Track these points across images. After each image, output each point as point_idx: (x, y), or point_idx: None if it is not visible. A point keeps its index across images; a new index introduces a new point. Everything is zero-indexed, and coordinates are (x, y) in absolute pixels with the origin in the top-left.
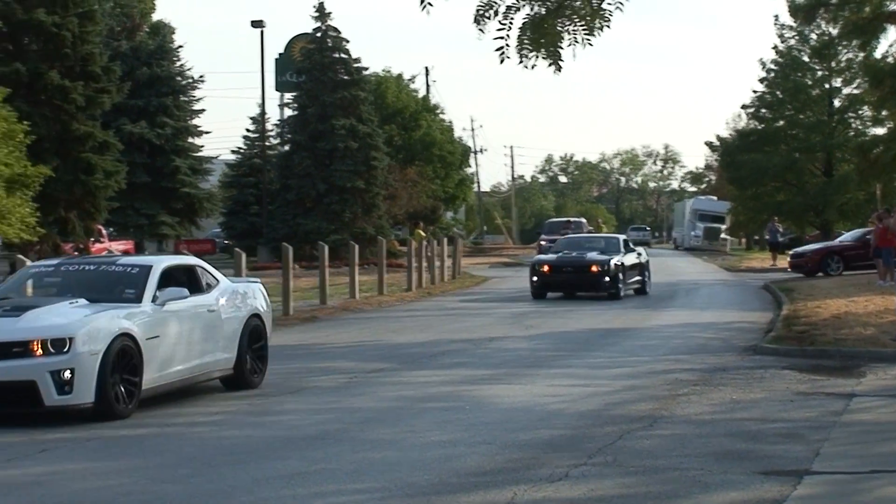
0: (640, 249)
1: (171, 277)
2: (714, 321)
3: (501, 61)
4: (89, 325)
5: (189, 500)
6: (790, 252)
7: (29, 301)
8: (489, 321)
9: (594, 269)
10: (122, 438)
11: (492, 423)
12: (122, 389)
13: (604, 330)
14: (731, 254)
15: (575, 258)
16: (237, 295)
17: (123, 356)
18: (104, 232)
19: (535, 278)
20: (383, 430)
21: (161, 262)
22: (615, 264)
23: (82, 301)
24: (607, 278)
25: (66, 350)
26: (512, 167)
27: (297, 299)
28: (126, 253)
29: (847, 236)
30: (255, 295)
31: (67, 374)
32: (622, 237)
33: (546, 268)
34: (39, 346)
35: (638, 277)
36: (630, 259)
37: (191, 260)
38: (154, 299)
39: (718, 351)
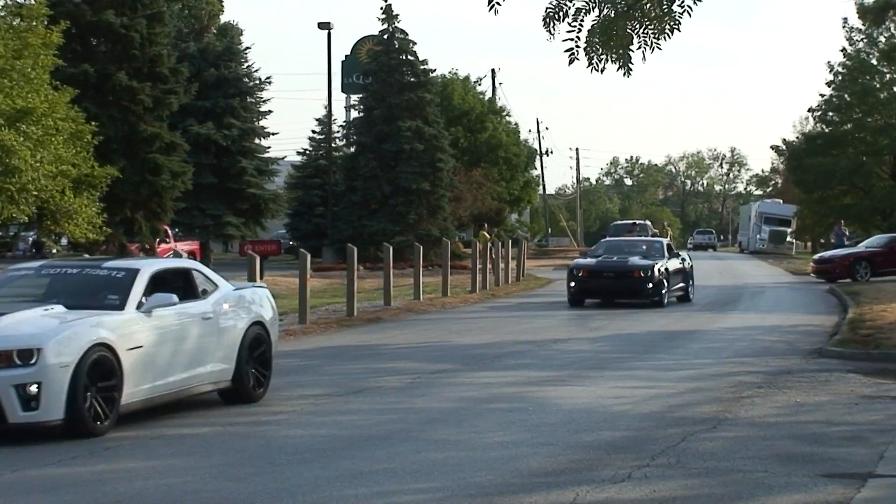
0: (684, 254)
1: (163, 282)
2: (779, 324)
3: (570, 62)
4: (61, 334)
5: (252, 499)
6: (815, 257)
7: None
8: (553, 323)
9: (637, 274)
10: (186, 437)
11: (555, 425)
12: (99, 405)
13: (668, 332)
14: (796, 257)
15: (616, 262)
16: (239, 301)
17: (99, 368)
18: (170, 232)
19: (572, 283)
20: (446, 430)
21: (150, 266)
22: (659, 270)
23: (59, 308)
24: (650, 284)
25: (32, 362)
26: (577, 169)
27: (362, 300)
28: (191, 254)
29: (873, 241)
30: (260, 302)
31: (34, 388)
32: (665, 240)
33: (583, 272)
34: (4, 357)
35: (682, 284)
36: (674, 264)
37: (187, 263)
38: (139, 306)
39: (783, 354)
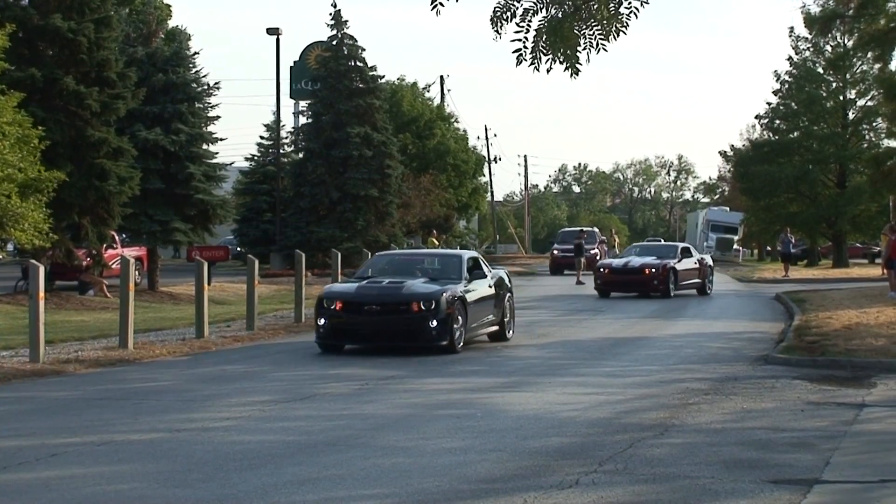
0: (501, 273)
1: None
2: (725, 331)
3: (518, 63)
4: None
5: None
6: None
7: None
8: None
9: (416, 306)
10: (133, 443)
11: (503, 431)
12: None
13: (615, 339)
14: (743, 264)
15: (385, 290)
16: None
17: None
18: (117, 238)
19: (321, 321)
20: (395, 436)
21: None
22: (450, 300)
23: None
24: (435, 322)
25: None
26: (525, 176)
27: (310, 307)
28: (138, 260)
29: None
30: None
31: None
32: (469, 254)
33: (338, 305)
34: None
35: (490, 317)
36: (480, 291)
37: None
38: None
39: (729, 361)
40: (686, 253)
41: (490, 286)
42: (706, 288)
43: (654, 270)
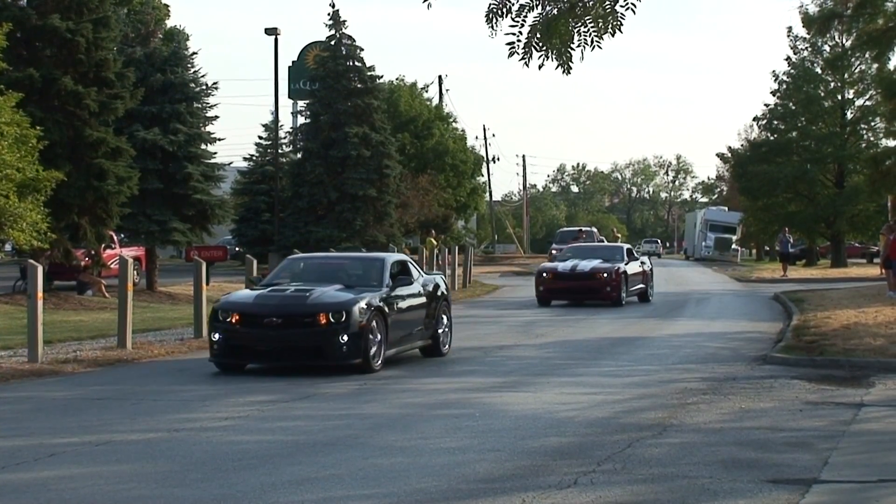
0: (437, 279)
1: None
2: (724, 331)
3: (510, 55)
4: None
5: None
6: None
7: None
8: (499, 329)
9: (323, 319)
10: (131, 443)
11: (501, 431)
12: None
13: (614, 339)
14: (741, 264)
15: (286, 299)
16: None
17: None
18: (116, 238)
19: (215, 336)
20: (393, 436)
21: None
22: (363, 309)
23: None
24: (345, 337)
25: None
26: (524, 176)
27: None
28: (136, 260)
29: None
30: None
31: None
32: (394, 257)
33: (236, 319)
34: None
35: (420, 327)
36: (409, 299)
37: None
38: None
39: (728, 360)
40: (631, 255)
41: (420, 294)
42: (648, 294)
43: (606, 275)
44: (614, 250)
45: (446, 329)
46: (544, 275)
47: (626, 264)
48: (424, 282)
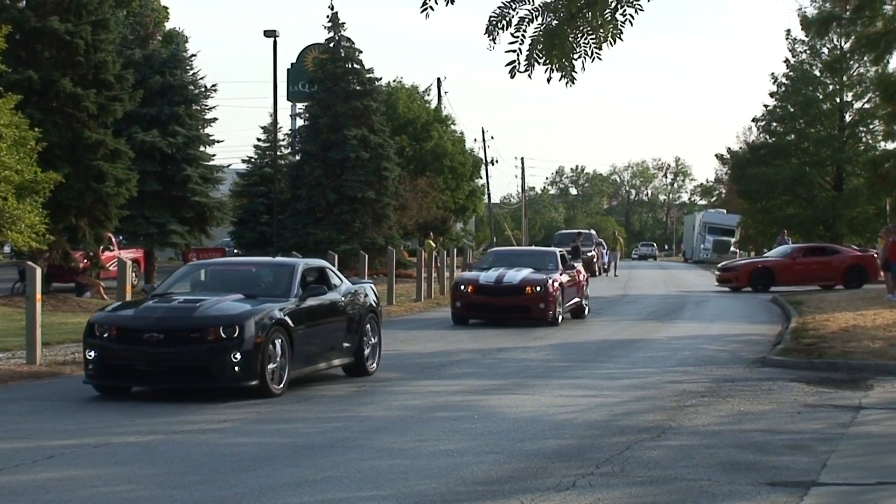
0: (363, 287)
1: None
2: (722, 333)
3: (512, 76)
4: None
5: None
6: (719, 265)
7: None
8: (497, 332)
9: (214, 334)
10: (130, 445)
11: (500, 433)
12: None
13: (612, 341)
14: None
15: (173, 311)
16: None
17: None
18: (114, 240)
19: (90, 353)
20: (392, 438)
21: None
22: (260, 323)
23: None
24: (237, 356)
25: None
26: (522, 179)
27: None
28: (135, 262)
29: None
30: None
31: None
32: (302, 263)
33: (111, 333)
34: None
35: (347, 343)
36: (317, 309)
37: None
38: None
39: (726, 363)
40: (564, 261)
41: (340, 305)
42: (584, 309)
43: (538, 289)
44: (545, 256)
45: (374, 344)
46: (463, 288)
47: (560, 274)
48: (347, 291)
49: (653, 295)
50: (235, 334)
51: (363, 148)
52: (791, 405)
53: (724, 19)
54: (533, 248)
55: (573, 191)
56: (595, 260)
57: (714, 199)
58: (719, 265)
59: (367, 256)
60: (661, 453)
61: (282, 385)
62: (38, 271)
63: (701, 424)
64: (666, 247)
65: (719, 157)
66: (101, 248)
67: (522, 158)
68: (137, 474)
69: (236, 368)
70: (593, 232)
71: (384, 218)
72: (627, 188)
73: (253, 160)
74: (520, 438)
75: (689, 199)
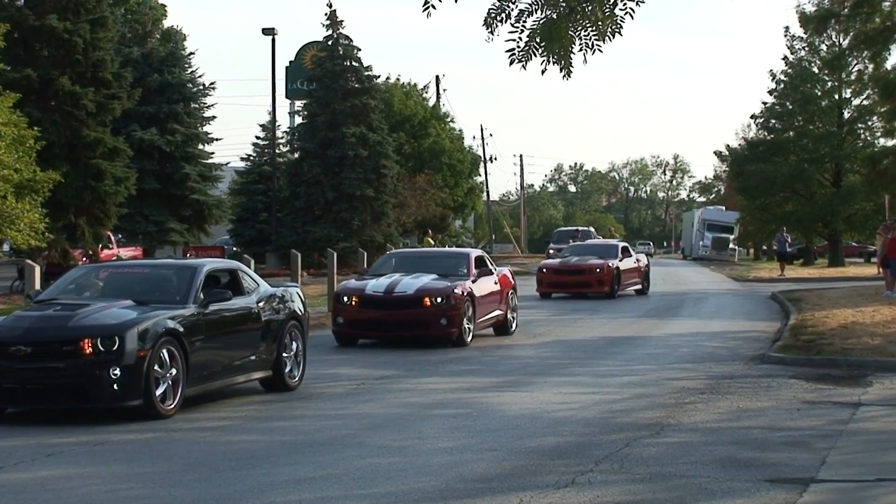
0: (289, 291)
1: None
2: (721, 330)
3: (511, 63)
4: None
5: None
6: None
7: None
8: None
9: (86, 347)
10: (129, 443)
11: (499, 430)
12: None
13: (611, 338)
14: (739, 264)
15: (46, 319)
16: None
17: None
18: (113, 238)
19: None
20: (390, 436)
21: None
22: (144, 333)
23: None
24: (116, 372)
25: None
26: (521, 176)
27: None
28: (134, 259)
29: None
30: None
31: None
32: (209, 264)
33: None
34: None
35: (260, 355)
36: (217, 317)
37: None
38: None
39: (725, 360)
40: (482, 264)
41: (253, 312)
42: (510, 324)
43: (440, 300)
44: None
45: (296, 357)
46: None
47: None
48: (263, 296)
49: (651, 292)
50: (114, 347)
51: (362, 146)
52: (790, 402)
53: (722, 16)
54: (444, 249)
55: (572, 188)
56: None
57: (713, 196)
58: None
59: (366, 254)
60: (660, 450)
61: (173, 404)
62: (38, 269)
63: (700, 421)
64: (665, 244)
65: (718, 154)
66: (100, 246)
67: (521, 156)
68: (136, 472)
69: (115, 386)
70: (592, 229)
71: (383, 215)
72: (626, 185)
73: (251, 158)
74: (519, 436)
75: (688, 196)
